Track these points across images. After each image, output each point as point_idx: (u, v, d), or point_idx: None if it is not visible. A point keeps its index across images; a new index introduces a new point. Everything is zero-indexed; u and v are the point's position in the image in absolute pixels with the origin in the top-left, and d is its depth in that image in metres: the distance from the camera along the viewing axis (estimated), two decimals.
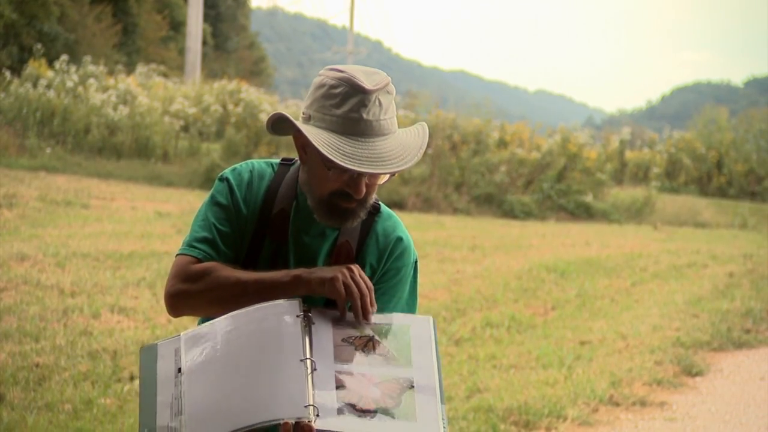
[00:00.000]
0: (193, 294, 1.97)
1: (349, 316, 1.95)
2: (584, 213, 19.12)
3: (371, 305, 1.91)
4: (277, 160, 2.13)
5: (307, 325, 1.87)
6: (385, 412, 1.82)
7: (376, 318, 1.95)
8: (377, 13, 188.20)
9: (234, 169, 2.09)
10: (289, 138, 2.06)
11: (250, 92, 20.04)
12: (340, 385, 1.82)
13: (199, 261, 1.99)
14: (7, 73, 18.59)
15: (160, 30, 32.16)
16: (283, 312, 1.88)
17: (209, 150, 18.38)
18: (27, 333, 5.50)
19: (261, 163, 2.12)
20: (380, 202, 2.12)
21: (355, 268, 1.92)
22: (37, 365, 4.93)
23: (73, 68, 19.27)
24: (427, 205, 17.83)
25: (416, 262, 2.18)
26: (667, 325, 7.37)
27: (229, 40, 40.17)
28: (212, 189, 2.08)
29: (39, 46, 20.89)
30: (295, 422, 1.75)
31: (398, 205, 17.21)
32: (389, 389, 1.85)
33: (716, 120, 28.25)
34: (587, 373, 5.74)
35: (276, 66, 68.19)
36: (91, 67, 19.84)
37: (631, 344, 6.62)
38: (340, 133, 1.89)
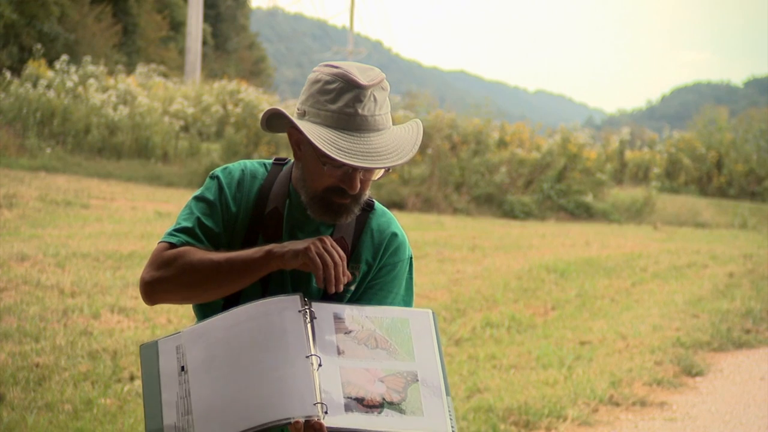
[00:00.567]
0: (165, 279, 1.96)
1: (350, 309, 1.95)
2: (584, 213, 19.12)
3: (343, 275, 1.91)
4: (270, 160, 2.14)
5: (310, 321, 1.87)
6: (392, 406, 1.82)
7: (375, 312, 1.95)
8: (377, 13, 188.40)
9: (225, 168, 2.10)
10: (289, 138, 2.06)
11: (249, 92, 20.04)
12: (345, 381, 1.82)
13: (175, 247, 1.99)
14: (7, 73, 18.59)
15: (160, 30, 32.15)
16: (285, 307, 1.88)
17: (209, 150, 18.39)
18: (27, 333, 5.50)
19: (254, 163, 2.12)
20: (373, 199, 2.12)
21: (327, 238, 1.92)
22: (37, 365, 4.93)
23: (73, 68, 19.27)
24: (427, 205, 17.83)
25: (411, 257, 2.18)
26: (667, 325, 7.37)
27: (229, 40, 40.16)
28: (203, 185, 2.09)
29: (39, 46, 20.89)
30: (305, 420, 1.75)
31: (398, 205, 17.21)
32: (394, 383, 1.85)
33: (716, 120, 28.22)
34: (587, 373, 5.74)
35: (276, 66, 68.19)
36: (91, 67, 19.84)
37: (631, 344, 6.62)
38: (336, 128, 1.90)
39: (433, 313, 2.01)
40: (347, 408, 1.79)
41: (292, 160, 2.12)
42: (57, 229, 9.69)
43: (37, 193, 11.90)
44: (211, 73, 31.00)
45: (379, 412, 1.80)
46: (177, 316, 6.26)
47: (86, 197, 12.41)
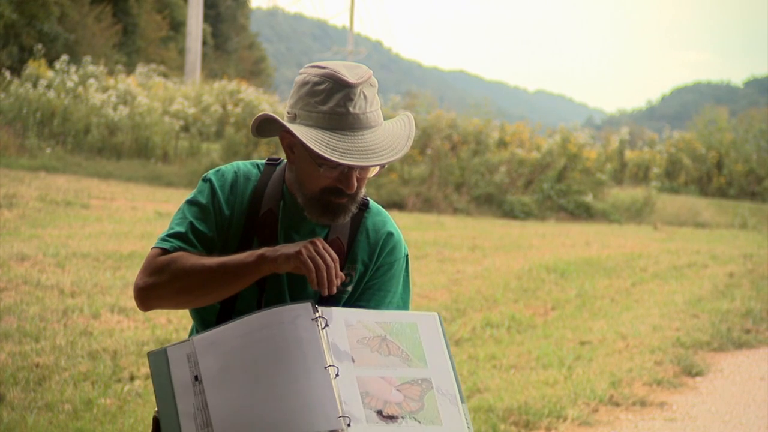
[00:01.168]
0: (159, 285, 1.95)
1: (359, 315, 1.93)
2: (584, 213, 19.12)
3: (336, 276, 1.90)
4: (263, 161, 2.13)
5: (324, 327, 1.86)
6: (410, 416, 1.81)
7: (382, 316, 1.94)
8: (377, 13, 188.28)
9: (218, 170, 2.09)
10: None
11: (249, 92, 20.04)
12: (363, 391, 1.81)
13: (168, 253, 1.98)
14: (7, 73, 18.58)
15: (160, 30, 32.15)
16: (297, 315, 1.87)
17: (209, 150, 18.40)
18: (27, 333, 5.50)
19: (247, 164, 2.11)
20: (368, 198, 2.12)
21: (319, 241, 1.91)
22: (37, 365, 4.93)
23: (73, 68, 19.27)
24: (427, 205, 17.83)
25: (407, 255, 2.17)
26: (667, 325, 7.37)
27: (229, 40, 40.16)
28: (196, 188, 2.08)
29: (39, 46, 20.89)
30: None
31: (398, 205, 17.20)
32: (410, 392, 1.84)
33: (716, 120, 28.22)
34: (587, 373, 5.74)
35: (276, 66, 68.19)
36: (91, 67, 19.84)
37: (631, 344, 6.62)
38: (328, 128, 1.89)
39: (439, 316, 2.00)
40: (368, 419, 1.78)
41: (285, 161, 2.11)
42: (57, 229, 9.69)
43: (37, 193, 11.90)
44: (211, 73, 31.00)
45: (399, 423, 1.79)
46: (177, 317, 6.26)
47: (86, 197, 12.40)
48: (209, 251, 2.01)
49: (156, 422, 2.01)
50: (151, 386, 4.66)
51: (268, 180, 2.07)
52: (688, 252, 12.45)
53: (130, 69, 23.71)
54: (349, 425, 1.75)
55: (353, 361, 1.85)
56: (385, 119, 2.02)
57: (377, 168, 1.96)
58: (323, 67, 1.94)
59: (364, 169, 1.94)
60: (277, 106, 20.64)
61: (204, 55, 31.51)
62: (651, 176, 23.67)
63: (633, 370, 5.87)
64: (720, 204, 22.19)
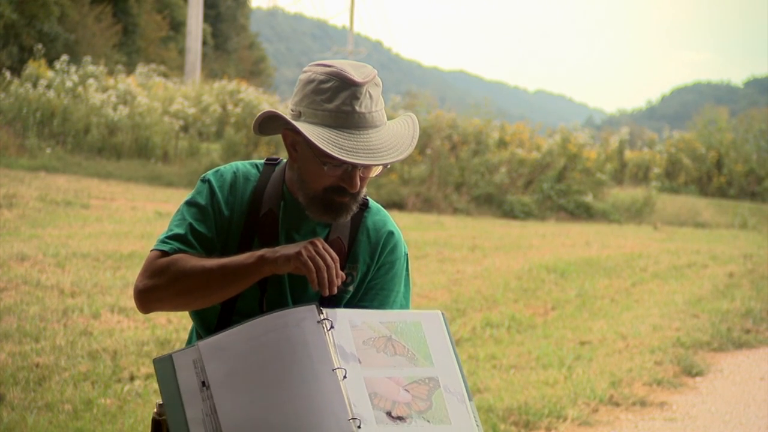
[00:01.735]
0: (158, 288, 1.93)
1: (363, 315, 1.93)
2: (584, 213, 19.12)
3: (337, 276, 1.90)
4: (262, 161, 2.12)
5: (330, 329, 1.86)
6: (419, 416, 1.81)
7: (387, 316, 1.94)
8: (377, 13, 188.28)
9: (217, 171, 2.08)
10: None
11: (249, 92, 20.04)
12: (372, 392, 1.81)
13: (167, 255, 1.97)
14: (7, 73, 18.59)
15: (160, 30, 32.15)
16: (303, 318, 1.86)
17: (209, 150, 18.40)
18: (27, 333, 5.50)
19: (246, 164, 2.10)
20: (368, 197, 2.12)
21: (319, 241, 1.91)
22: (37, 365, 4.93)
23: (73, 68, 19.27)
24: (427, 205, 17.83)
25: (407, 254, 2.17)
26: (667, 325, 7.37)
27: (229, 40, 40.16)
28: (194, 189, 2.07)
29: (39, 46, 20.89)
30: None
31: (398, 205, 17.20)
32: (418, 391, 1.84)
33: (716, 120, 28.22)
34: (587, 373, 5.74)
35: (276, 66, 68.18)
36: (91, 67, 19.84)
37: (631, 344, 6.62)
38: (334, 127, 1.89)
39: (443, 314, 1.99)
40: (378, 421, 1.77)
41: (284, 160, 2.10)
42: (57, 229, 9.69)
43: (37, 193, 11.90)
44: (211, 73, 31.00)
45: (409, 423, 1.79)
46: (177, 317, 6.26)
47: (86, 197, 12.40)
48: (209, 252, 2.00)
49: (155, 424, 2.00)
50: (151, 386, 4.66)
51: (268, 180, 2.06)
52: (688, 252, 12.45)
53: (130, 69, 23.71)
54: (359, 427, 1.75)
55: (360, 362, 1.84)
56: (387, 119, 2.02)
57: (379, 168, 1.95)
58: (329, 66, 1.94)
59: (367, 168, 1.94)
60: (277, 106, 20.63)
61: (204, 55, 31.51)
62: (651, 176, 23.68)
63: (633, 370, 5.87)
64: (720, 204, 22.19)
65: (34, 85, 18.22)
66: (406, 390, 1.83)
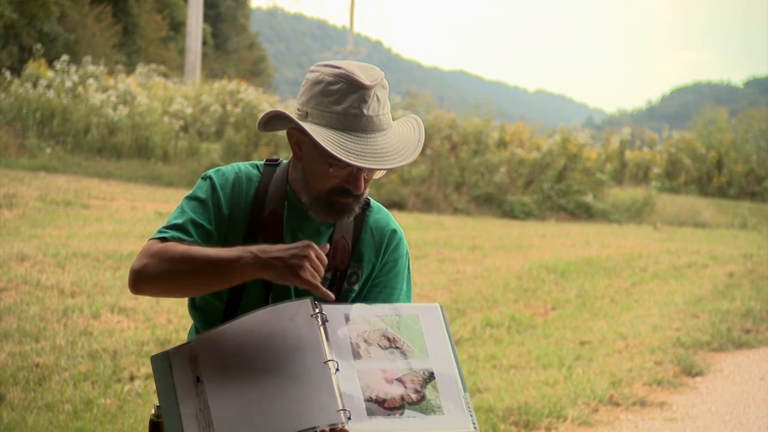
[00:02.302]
0: (148, 268, 1.91)
1: (359, 309, 1.93)
2: (584, 213, 19.11)
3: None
4: (262, 162, 2.11)
5: (322, 324, 1.86)
6: (412, 407, 1.81)
7: (384, 310, 1.94)
8: (377, 13, 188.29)
9: (218, 170, 2.08)
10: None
11: (249, 92, 20.04)
12: (364, 384, 1.81)
13: (161, 241, 1.96)
14: (7, 73, 18.59)
15: (160, 30, 32.16)
16: (296, 312, 1.86)
17: (209, 150, 18.39)
18: (27, 333, 5.50)
19: (246, 165, 2.10)
20: (368, 197, 2.12)
21: (311, 250, 1.85)
22: (37, 365, 4.93)
23: (73, 68, 19.27)
24: (427, 205, 17.83)
25: (408, 252, 2.18)
26: (667, 325, 7.37)
27: (229, 40, 40.16)
28: (194, 186, 2.06)
29: (39, 46, 20.89)
30: (330, 428, 1.73)
31: (398, 205, 17.20)
32: (412, 383, 1.84)
33: (716, 120, 28.21)
34: (587, 373, 5.74)
35: (276, 66, 68.19)
36: (91, 67, 19.84)
37: (631, 344, 6.62)
38: (341, 129, 1.88)
39: (441, 307, 1.99)
40: (369, 412, 1.78)
41: (285, 161, 2.10)
42: (57, 229, 9.69)
43: (37, 193, 11.90)
44: (211, 73, 31.00)
45: (401, 414, 1.79)
46: (177, 316, 6.26)
47: (86, 197, 12.40)
48: (207, 243, 1.99)
49: (152, 425, 2.00)
50: (151, 386, 4.66)
51: (269, 180, 2.06)
52: (688, 252, 12.45)
53: (130, 69, 23.71)
54: (349, 419, 1.75)
55: (353, 354, 1.85)
56: None
57: (383, 171, 1.95)
58: (337, 67, 1.93)
59: (372, 170, 1.94)
60: (277, 106, 20.62)
61: (204, 55, 31.51)
62: (651, 176, 23.67)
63: (633, 370, 5.87)
64: (720, 204, 22.19)
65: (34, 85, 18.23)
66: (399, 381, 1.83)
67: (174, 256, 1.89)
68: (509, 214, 18.36)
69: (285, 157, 2.07)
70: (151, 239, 1.98)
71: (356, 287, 2.07)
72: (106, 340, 5.53)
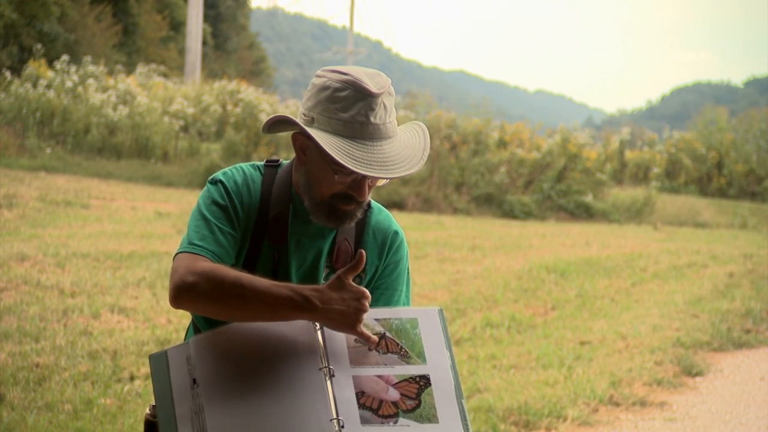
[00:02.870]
0: (199, 288, 1.84)
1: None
2: (584, 213, 19.12)
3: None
4: (262, 163, 2.11)
5: (320, 329, 1.86)
6: (407, 415, 1.80)
7: (382, 313, 1.93)
8: (377, 14, 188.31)
9: (225, 173, 2.06)
10: (289, 138, 2.04)
11: (249, 92, 20.04)
12: (359, 391, 1.80)
13: (205, 258, 1.91)
14: (7, 73, 18.60)
15: (160, 30, 32.16)
16: None
17: (209, 150, 18.39)
18: (27, 333, 5.50)
19: (248, 166, 2.09)
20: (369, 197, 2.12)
21: (367, 301, 1.84)
22: (37, 365, 4.93)
23: (73, 68, 19.27)
24: (427, 205, 17.83)
25: (408, 253, 2.18)
26: (667, 325, 7.37)
27: (229, 40, 40.17)
28: (204, 192, 2.03)
29: (39, 46, 20.90)
30: None
31: (398, 205, 17.21)
32: (408, 390, 1.84)
33: (716, 120, 28.22)
34: (587, 373, 5.74)
35: (276, 66, 68.20)
36: (91, 67, 19.85)
37: (631, 344, 6.62)
38: (347, 136, 1.88)
39: (440, 311, 1.99)
40: (363, 420, 1.77)
41: (285, 162, 2.10)
42: (57, 229, 9.69)
43: (37, 193, 11.90)
44: (211, 73, 31.01)
45: (395, 422, 1.78)
46: (177, 316, 6.26)
47: (86, 197, 12.41)
48: (236, 251, 1.98)
49: (147, 424, 2.00)
50: (151, 386, 4.66)
51: (272, 182, 2.05)
52: (688, 252, 12.45)
53: (130, 69, 23.71)
54: (342, 427, 1.74)
55: (350, 360, 1.84)
56: None
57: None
58: (345, 73, 1.92)
59: (377, 178, 1.93)
60: (277, 106, 20.65)
61: (204, 55, 31.51)
62: (651, 176, 23.68)
63: (633, 370, 5.87)
64: (720, 204, 22.19)
65: (34, 85, 18.23)
66: (394, 388, 1.83)
67: (225, 283, 1.83)
68: (509, 214, 18.36)
69: (285, 157, 2.07)
70: (184, 252, 1.92)
71: None
72: (106, 340, 5.53)
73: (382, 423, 1.78)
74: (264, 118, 18.09)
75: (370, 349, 1.87)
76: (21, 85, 18.10)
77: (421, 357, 1.88)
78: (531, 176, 19.56)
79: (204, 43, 31.39)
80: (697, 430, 4.93)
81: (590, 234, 14.93)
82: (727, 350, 6.81)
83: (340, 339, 1.86)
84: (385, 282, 2.10)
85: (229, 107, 19.69)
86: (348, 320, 1.81)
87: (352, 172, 1.87)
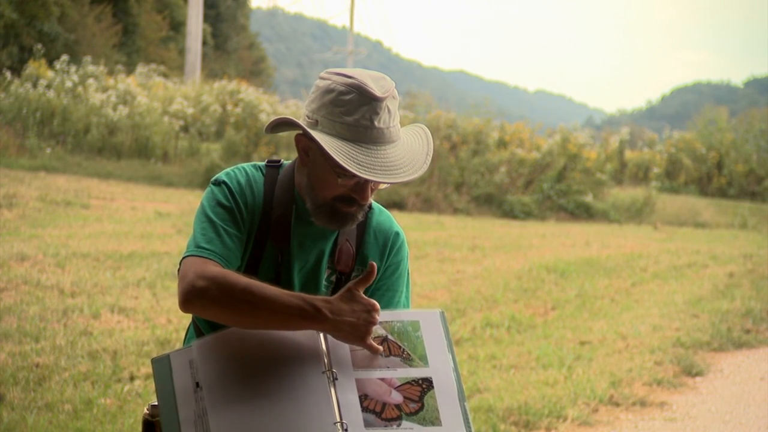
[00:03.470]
0: (210, 294, 1.83)
1: None
2: (584, 213, 19.12)
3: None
4: (263, 163, 2.10)
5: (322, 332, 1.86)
6: (410, 418, 1.80)
7: (383, 316, 1.93)
8: (377, 13, 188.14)
9: (228, 174, 2.05)
10: (289, 138, 2.04)
11: (249, 92, 20.04)
12: (362, 394, 1.80)
13: (214, 262, 1.91)
14: (7, 73, 18.60)
15: (160, 30, 32.16)
16: None
17: (209, 150, 18.39)
18: (27, 333, 5.50)
19: (250, 167, 2.09)
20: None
21: (378, 315, 1.85)
22: (37, 365, 4.93)
23: (73, 68, 19.27)
24: (427, 205, 17.83)
25: (408, 254, 2.18)
26: (667, 325, 7.37)
27: (229, 40, 40.17)
28: (208, 193, 2.02)
29: (39, 46, 20.89)
30: None
31: (398, 205, 17.21)
32: (410, 393, 1.84)
33: (716, 120, 28.22)
34: (587, 373, 5.74)
35: (276, 66, 68.17)
36: (91, 67, 19.84)
37: (631, 344, 6.62)
38: (351, 140, 1.88)
39: (442, 313, 1.98)
40: (366, 423, 1.77)
41: (286, 163, 2.10)
42: (57, 229, 9.69)
43: (37, 193, 11.90)
44: (211, 73, 31.00)
45: (398, 425, 1.79)
46: (177, 316, 6.26)
47: (86, 197, 12.41)
48: (242, 252, 1.98)
49: (146, 424, 1.99)
50: (150, 386, 4.66)
51: (274, 182, 2.05)
52: (688, 252, 12.45)
53: (130, 69, 23.71)
54: (346, 430, 1.74)
55: (353, 363, 1.84)
56: None
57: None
58: (350, 77, 1.91)
59: (380, 182, 1.94)
60: (277, 106, 20.65)
61: (204, 55, 31.51)
62: (651, 176, 23.68)
63: (633, 370, 5.87)
64: (720, 204, 22.19)
65: (34, 85, 18.23)
66: (397, 391, 1.83)
67: (236, 290, 1.83)
68: (509, 214, 18.36)
69: (285, 157, 2.07)
70: (191, 255, 1.91)
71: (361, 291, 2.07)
72: (106, 340, 5.53)
73: (386, 426, 1.78)
74: (264, 118, 18.10)
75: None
76: (21, 85, 18.10)
77: (424, 360, 1.89)
78: (531, 176, 19.56)
79: (204, 43, 31.39)
80: (697, 430, 4.93)
81: (590, 234, 14.93)
82: (727, 350, 6.81)
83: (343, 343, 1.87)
84: (386, 283, 2.10)
85: (229, 107, 19.69)
86: (357, 332, 1.82)
87: (356, 176, 1.87)
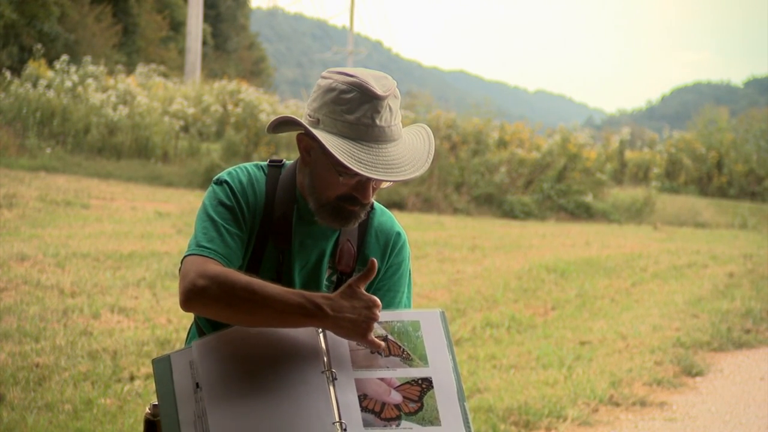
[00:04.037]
0: (210, 292, 1.83)
1: None
2: (584, 213, 19.12)
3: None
4: (264, 162, 2.10)
5: (323, 332, 1.85)
6: (409, 417, 1.80)
7: (385, 316, 1.93)
8: (377, 13, 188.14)
9: (230, 173, 2.05)
10: (289, 138, 2.04)
11: (249, 92, 20.04)
12: (362, 394, 1.80)
13: (215, 261, 1.90)
14: (7, 73, 18.59)
15: (160, 30, 32.16)
16: None
17: (209, 150, 18.38)
18: (27, 333, 5.50)
19: (252, 166, 2.09)
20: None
21: (378, 310, 1.85)
22: (37, 365, 4.93)
23: (73, 68, 19.27)
24: (427, 205, 17.83)
25: (410, 254, 2.18)
26: (667, 325, 7.37)
27: (229, 40, 40.16)
28: (210, 193, 2.02)
29: (39, 46, 20.89)
30: None
31: (398, 205, 17.21)
32: (410, 392, 1.84)
33: (716, 120, 28.24)
34: (587, 373, 5.74)
35: (276, 66, 68.19)
36: (91, 67, 19.84)
37: (631, 344, 6.62)
38: (352, 139, 1.88)
39: (442, 313, 1.98)
40: (366, 423, 1.77)
41: (288, 162, 2.10)
42: (57, 229, 9.69)
43: (37, 193, 11.90)
44: (211, 73, 31.00)
45: (398, 425, 1.79)
46: (177, 316, 6.26)
47: (86, 197, 12.40)
48: (243, 252, 1.98)
49: (148, 424, 2.00)
50: (151, 386, 4.66)
51: (276, 182, 2.05)
52: (688, 252, 12.45)
53: (130, 69, 23.71)
54: (345, 430, 1.74)
55: (352, 363, 1.84)
56: None
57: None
58: (351, 75, 1.92)
59: (382, 181, 1.94)
60: (277, 106, 20.64)
61: (204, 55, 31.50)
62: (651, 176, 23.68)
63: (633, 370, 5.87)
64: (720, 204, 22.19)
65: (34, 85, 18.22)
66: (397, 391, 1.83)
67: (236, 288, 1.83)
68: (509, 214, 18.36)
69: (285, 157, 2.07)
70: (192, 254, 1.91)
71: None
72: (106, 340, 5.53)
73: (385, 426, 1.78)
74: (264, 118, 18.09)
75: (373, 353, 1.88)
76: (21, 85, 18.10)
77: (423, 359, 1.89)
78: (531, 176, 19.56)
79: (204, 43, 31.38)
80: (697, 430, 4.93)
81: (590, 234, 14.93)
82: (727, 350, 6.82)
83: (343, 342, 1.86)
84: (387, 283, 2.10)
85: (230, 107, 19.69)
86: (358, 329, 1.82)
87: (357, 175, 1.88)
